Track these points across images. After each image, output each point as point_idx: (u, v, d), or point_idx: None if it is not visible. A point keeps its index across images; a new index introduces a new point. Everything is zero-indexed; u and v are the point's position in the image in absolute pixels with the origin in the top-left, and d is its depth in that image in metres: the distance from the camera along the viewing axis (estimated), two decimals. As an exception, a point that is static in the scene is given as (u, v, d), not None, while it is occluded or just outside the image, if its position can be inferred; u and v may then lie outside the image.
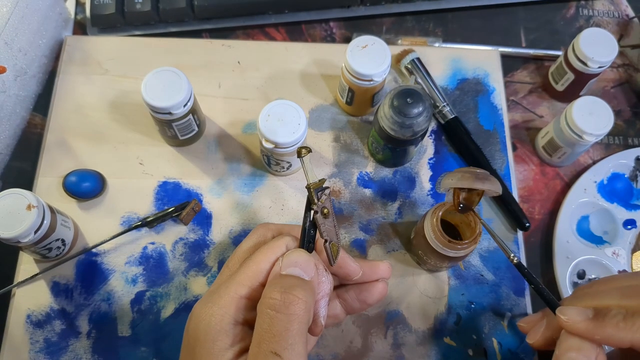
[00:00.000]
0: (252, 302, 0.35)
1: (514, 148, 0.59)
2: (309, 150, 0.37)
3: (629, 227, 0.55)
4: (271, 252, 0.36)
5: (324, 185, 0.37)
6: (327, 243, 0.36)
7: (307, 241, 0.36)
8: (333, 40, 0.64)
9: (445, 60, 0.62)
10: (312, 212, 0.36)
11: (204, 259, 0.51)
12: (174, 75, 0.49)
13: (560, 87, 0.60)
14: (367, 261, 0.41)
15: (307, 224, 0.36)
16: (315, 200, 0.36)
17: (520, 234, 0.54)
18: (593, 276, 0.54)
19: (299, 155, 0.37)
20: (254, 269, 0.35)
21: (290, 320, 0.31)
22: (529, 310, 0.52)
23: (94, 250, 0.50)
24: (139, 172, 0.54)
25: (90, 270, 0.50)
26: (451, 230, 0.50)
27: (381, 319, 0.50)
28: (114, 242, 0.51)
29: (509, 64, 0.63)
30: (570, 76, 0.58)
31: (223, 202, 0.54)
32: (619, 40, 0.65)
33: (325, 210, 0.36)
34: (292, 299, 0.32)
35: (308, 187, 0.36)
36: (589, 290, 0.38)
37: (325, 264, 0.37)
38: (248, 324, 0.35)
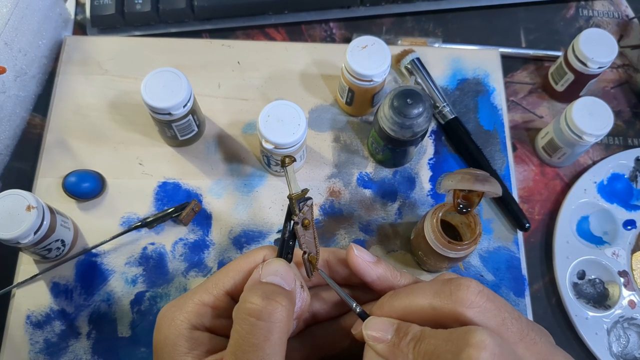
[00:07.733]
0: (216, 310, 0.34)
1: (514, 148, 0.59)
2: (293, 160, 0.36)
3: (629, 227, 0.55)
4: (244, 262, 0.35)
5: (306, 196, 0.36)
6: (306, 255, 0.35)
7: (285, 252, 0.35)
8: (333, 41, 0.64)
9: (445, 60, 0.62)
10: (292, 222, 0.35)
11: (204, 260, 0.51)
12: (174, 75, 0.49)
13: (560, 88, 0.60)
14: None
15: (287, 234, 0.35)
16: (297, 211, 0.35)
17: (520, 234, 0.54)
18: (593, 276, 0.54)
19: (283, 164, 0.36)
20: (222, 278, 0.34)
21: (271, 328, 0.30)
22: (529, 311, 0.52)
23: (93, 250, 0.50)
24: (138, 172, 0.54)
25: (90, 270, 0.50)
26: (451, 231, 0.50)
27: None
28: (114, 243, 0.51)
29: (509, 64, 0.63)
30: (570, 76, 0.58)
31: (223, 203, 0.54)
32: (618, 41, 0.65)
33: (306, 222, 0.35)
34: (275, 305, 0.30)
35: (290, 197, 0.35)
36: (408, 283, 0.37)
37: (304, 278, 0.36)
38: (210, 331, 0.34)
